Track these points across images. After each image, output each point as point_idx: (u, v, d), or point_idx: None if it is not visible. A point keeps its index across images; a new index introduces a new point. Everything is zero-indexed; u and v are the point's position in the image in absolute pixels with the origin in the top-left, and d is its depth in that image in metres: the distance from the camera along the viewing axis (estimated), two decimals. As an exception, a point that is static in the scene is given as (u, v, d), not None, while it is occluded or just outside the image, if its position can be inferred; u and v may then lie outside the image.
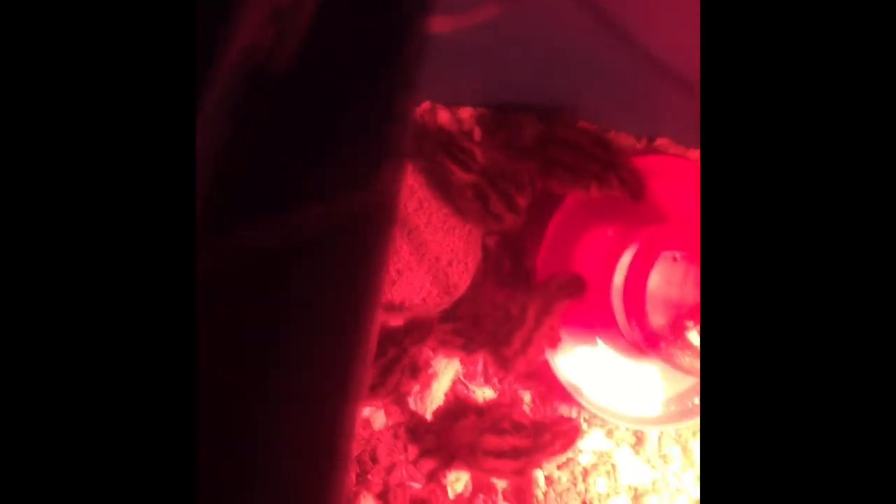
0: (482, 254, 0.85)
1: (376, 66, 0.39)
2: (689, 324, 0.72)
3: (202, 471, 0.31)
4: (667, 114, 0.85)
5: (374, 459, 0.82)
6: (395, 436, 0.83)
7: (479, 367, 0.85)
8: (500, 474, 0.80)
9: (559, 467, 0.84)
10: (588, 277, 0.81)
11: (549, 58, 0.77)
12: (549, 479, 0.83)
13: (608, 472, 0.85)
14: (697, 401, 0.83)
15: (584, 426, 0.84)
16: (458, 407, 0.82)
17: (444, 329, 0.82)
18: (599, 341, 0.84)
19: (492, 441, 0.76)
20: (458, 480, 0.82)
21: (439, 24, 0.61)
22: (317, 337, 0.37)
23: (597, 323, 0.83)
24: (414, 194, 0.83)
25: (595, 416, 0.84)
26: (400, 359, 0.77)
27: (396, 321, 0.80)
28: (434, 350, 0.83)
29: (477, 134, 0.87)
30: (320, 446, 0.37)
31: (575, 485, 0.84)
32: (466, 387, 0.85)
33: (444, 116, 0.87)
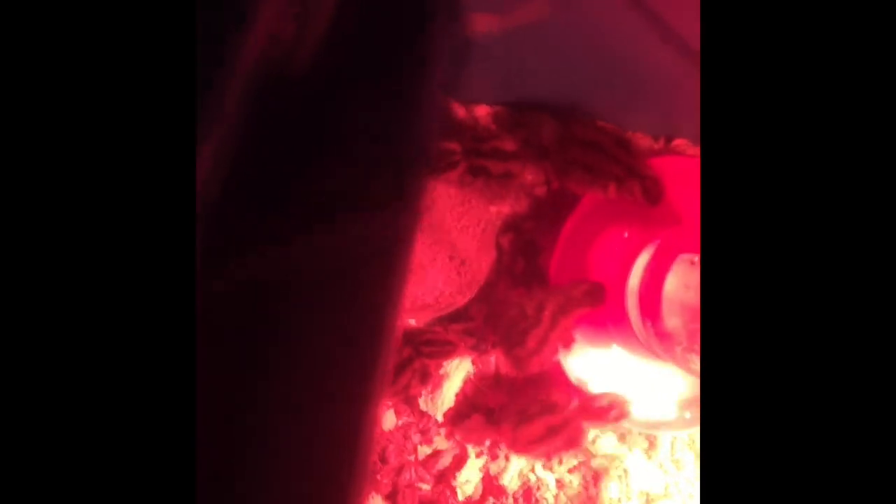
0: (496, 253, 0.84)
1: (400, 66, 0.38)
2: (706, 328, 0.71)
3: (218, 476, 0.31)
4: (685, 115, 0.84)
5: (383, 460, 0.81)
6: (405, 436, 0.82)
7: (492, 367, 0.84)
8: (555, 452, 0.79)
9: (570, 471, 0.83)
10: (603, 278, 0.80)
11: (566, 56, 0.77)
12: (560, 483, 0.83)
13: (620, 477, 0.84)
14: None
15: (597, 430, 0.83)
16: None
17: (455, 329, 0.81)
18: (613, 343, 0.83)
19: (526, 430, 0.75)
20: (467, 483, 0.81)
21: (486, 23, 0.60)
22: (339, 343, 0.37)
23: (611, 324, 0.82)
24: (427, 193, 0.82)
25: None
26: (412, 361, 0.76)
27: (409, 321, 0.79)
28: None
29: (493, 131, 0.86)
30: (339, 451, 0.37)
31: (586, 489, 0.83)
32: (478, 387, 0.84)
33: (460, 113, 0.87)
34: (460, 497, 0.81)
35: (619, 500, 0.83)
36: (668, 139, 0.89)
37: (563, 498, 0.82)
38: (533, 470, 0.82)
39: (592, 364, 0.82)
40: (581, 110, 0.86)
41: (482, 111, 0.87)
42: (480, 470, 0.82)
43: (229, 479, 0.34)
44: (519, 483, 0.82)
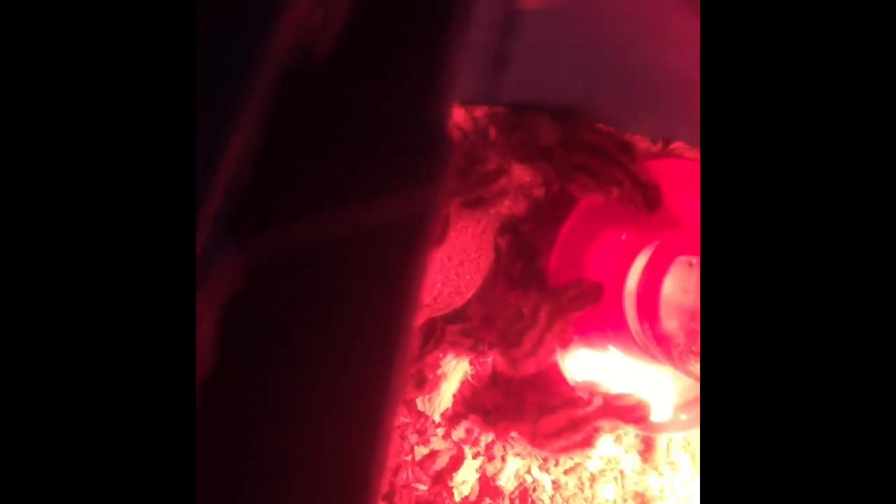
0: (494, 254, 0.84)
1: (420, 55, 0.38)
2: (703, 330, 0.71)
3: (234, 473, 0.31)
4: (683, 117, 0.84)
5: (380, 460, 0.81)
6: (402, 437, 0.82)
7: (489, 368, 0.84)
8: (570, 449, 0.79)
9: (566, 472, 0.83)
10: (600, 280, 0.80)
11: (566, 58, 0.77)
12: (556, 484, 0.83)
13: (616, 479, 0.84)
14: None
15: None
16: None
17: (453, 330, 0.81)
18: (610, 346, 0.83)
19: (547, 422, 0.75)
20: (464, 483, 0.81)
21: (528, 1, 0.60)
22: (356, 337, 0.37)
23: (608, 327, 0.82)
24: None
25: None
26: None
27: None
28: (443, 351, 0.83)
29: (492, 133, 0.86)
30: (358, 449, 0.37)
31: (582, 490, 0.83)
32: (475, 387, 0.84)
33: (458, 115, 0.87)
34: (457, 498, 0.81)
35: (615, 501, 0.83)
36: (667, 142, 0.89)
37: (559, 499, 0.82)
38: (529, 471, 0.83)
39: (590, 366, 0.82)
40: (580, 112, 0.86)
41: (480, 112, 0.87)
42: (477, 471, 0.82)
43: (245, 470, 0.34)
44: (515, 484, 0.82)
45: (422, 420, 0.82)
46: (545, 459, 0.83)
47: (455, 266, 0.81)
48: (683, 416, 0.83)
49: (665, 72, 0.74)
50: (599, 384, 0.80)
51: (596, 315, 0.80)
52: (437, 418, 0.82)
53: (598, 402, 0.76)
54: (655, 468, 0.85)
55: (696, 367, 0.71)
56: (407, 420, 0.82)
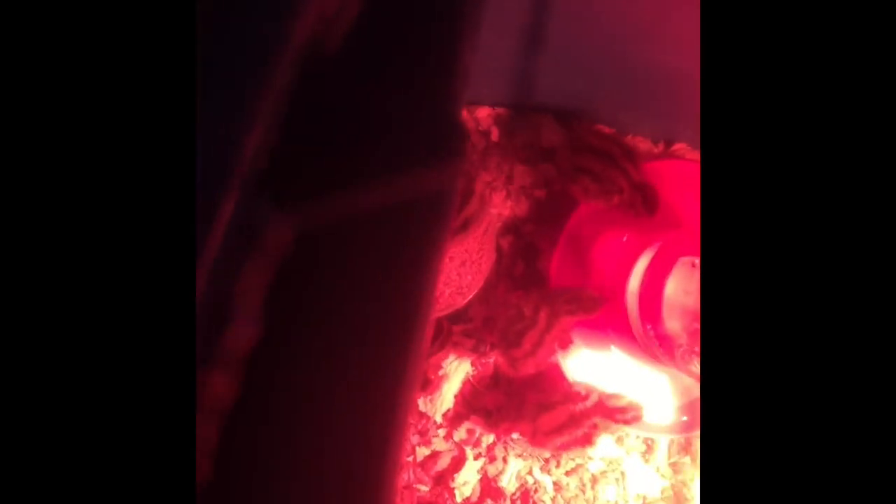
0: (496, 255, 0.84)
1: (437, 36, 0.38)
2: (706, 331, 0.71)
3: (251, 458, 0.31)
4: (685, 119, 0.85)
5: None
6: (406, 437, 0.82)
7: (490, 369, 0.84)
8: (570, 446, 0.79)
9: (567, 473, 0.83)
10: (603, 281, 0.80)
11: (568, 59, 0.77)
12: (557, 486, 0.83)
13: (617, 480, 0.84)
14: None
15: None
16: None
17: (455, 330, 0.81)
18: (612, 346, 0.83)
19: (547, 419, 0.75)
20: (465, 484, 0.81)
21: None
22: (376, 317, 0.37)
23: (610, 328, 0.82)
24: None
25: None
26: None
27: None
28: (446, 352, 0.83)
29: (494, 134, 0.86)
30: (376, 433, 0.37)
31: (584, 492, 0.83)
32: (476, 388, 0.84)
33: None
34: (458, 499, 0.81)
35: (616, 503, 0.83)
36: (668, 143, 0.89)
37: (560, 500, 0.82)
38: (531, 472, 0.82)
39: (592, 367, 0.82)
40: (582, 114, 0.86)
41: (483, 113, 0.87)
42: (479, 472, 0.82)
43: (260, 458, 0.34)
44: (517, 485, 0.82)
45: (423, 421, 0.82)
46: (546, 461, 0.83)
47: (457, 266, 0.81)
48: (685, 418, 0.83)
49: (667, 73, 0.74)
50: (595, 383, 0.80)
51: (598, 317, 0.80)
52: (438, 419, 0.82)
53: (594, 397, 0.76)
54: (657, 469, 0.85)
55: (698, 368, 0.71)
56: (409, 421, 0.82)
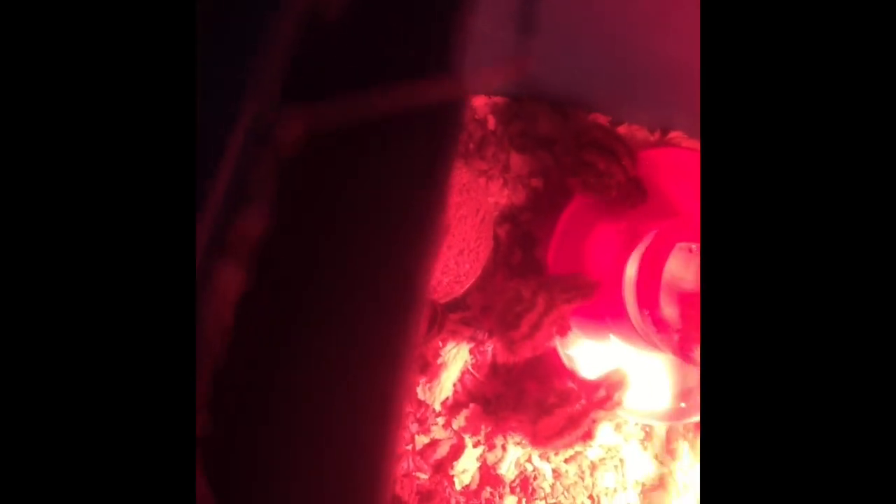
0: (493, 243, 0.84)
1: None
2: (704, 316, 0.71)
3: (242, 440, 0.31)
4: (681, 107, 0.85)
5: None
6: (403, 425, 0.82)
7: (489, 357, 0.84)
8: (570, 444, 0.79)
9: (567, 461, 0.83)
10: (600, 268, 0.80)
11: (565, 48, 0.77)
12: (556, 473, 0.83)
13: (616, 467, 0.84)
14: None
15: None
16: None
17: (453, 318, 0.81)
18: (610, 334, 0.83)
19: (547, 423, 0.76)
20: (464, 472, 0.81)
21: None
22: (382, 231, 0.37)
23: (608, 315, 0.82)
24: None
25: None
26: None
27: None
28: (443, 340, 0.83)
29: (491, 123, 0.86)
30: (371, 429, 0.37)
31: (582, 479, 0.83)
32: (474, 377, 0.84)
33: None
34: (458, 487, 0.81)
35: (615, 490, 0.83)
36: (664, 131, 0.89)
37: (559, 487, 0.82)
38: (530, 459, 0.83)
39: (589, 355, 0.82)
40: (578, 102, 0.86)
41: (479, 101, 0.87)
42: (478, 459, 0.82)
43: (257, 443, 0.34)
44: (516, 472, 0.82)
45: (422, 409, 0.82)
46: (546, 448, 0.83)
47: (454, 255, 0.81)
48: (683, 404, 0.83)
49: (663, 62, 0.74)
50: (577, 372, 0.81)
51: (596, 304, 0.80)
52: (437, 407, 0.82)
53: (581, 403, 0.76)
54: (655, 456, 0.85)
55: (696, 354, 0.71)
56: (408, 409, 0.82)
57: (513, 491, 0.82)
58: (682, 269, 0.72)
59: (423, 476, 0.81)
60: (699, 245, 0.72)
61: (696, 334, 0.71)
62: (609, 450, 0.84)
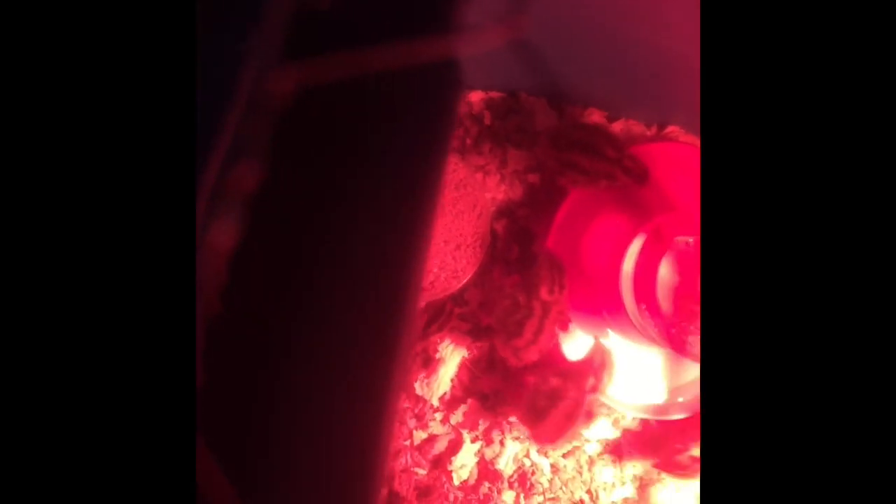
0: (490, 239, 0.84)
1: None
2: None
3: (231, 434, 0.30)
4: (677, 102, 0.85)
5: (379, 444, 0.81)
6: (400, 421, 0.82)
7: (486, 352, 0.84)
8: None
9: (565, 456, 0.83)
10: (597, 264, 0.80)
11: (561, 43, 0.77)
12: (554, 468, 0.83)
13: (614, 462, 0.84)
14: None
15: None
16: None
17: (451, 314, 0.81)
18: (608, 329, 0.83)
19: (546, 425, 0.76)
20: (462, 467, 0.81)
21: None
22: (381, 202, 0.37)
23: (605, 310, 0.82)
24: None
25: (602, 405, 0.83)
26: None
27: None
28: (441, 336, 0.83)
29: (487, 118, 0.86)
30: (364, 426, 0.37)
31: (580, 473, 0.83)
32: (472, 372, 0.84)
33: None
34: (456, 482, 0.81)
35: (613, 484, 0.83)
36: (661, 126, 0.89)
37: (557, 482, 0.82)
38: (528, 454, 0.83)
39: (587, 350, 0.82)
40: (575, 97, 0.86)
41: (475, 97, 0.87)
42: (476, 455, 0.82)
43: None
44: (514, 467, 0.82)
45: (420, 404, 0.82)
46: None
47: (452, 250, 0.81)
48: (681, 399, 0.83)
49: (660, 56, 0.74)
50: (557, 363, 0.80)
51: (593, 299, 0.80)
52: (435, 402, 0.82)
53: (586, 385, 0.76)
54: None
55: (694, 348, 0.71)
56: (406, 405, 0.82)
57: (511, 486, 0.82)
58: (679, 263, 0.72)
59: (422, 471, 0.81)
60: (697, 239, 0.72)
61: (694, 328, 0.71)
62: (607, 444, 0.84)
